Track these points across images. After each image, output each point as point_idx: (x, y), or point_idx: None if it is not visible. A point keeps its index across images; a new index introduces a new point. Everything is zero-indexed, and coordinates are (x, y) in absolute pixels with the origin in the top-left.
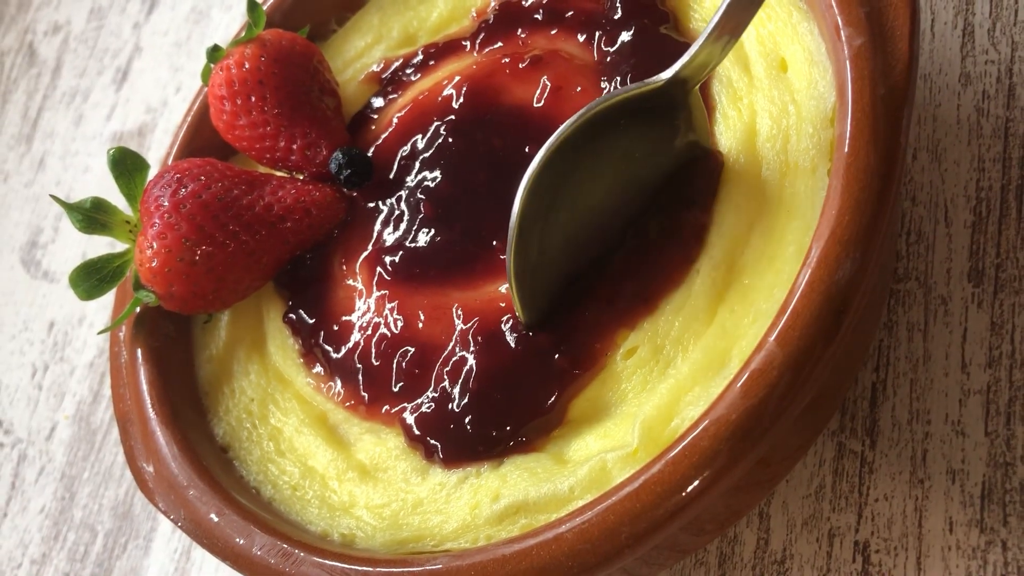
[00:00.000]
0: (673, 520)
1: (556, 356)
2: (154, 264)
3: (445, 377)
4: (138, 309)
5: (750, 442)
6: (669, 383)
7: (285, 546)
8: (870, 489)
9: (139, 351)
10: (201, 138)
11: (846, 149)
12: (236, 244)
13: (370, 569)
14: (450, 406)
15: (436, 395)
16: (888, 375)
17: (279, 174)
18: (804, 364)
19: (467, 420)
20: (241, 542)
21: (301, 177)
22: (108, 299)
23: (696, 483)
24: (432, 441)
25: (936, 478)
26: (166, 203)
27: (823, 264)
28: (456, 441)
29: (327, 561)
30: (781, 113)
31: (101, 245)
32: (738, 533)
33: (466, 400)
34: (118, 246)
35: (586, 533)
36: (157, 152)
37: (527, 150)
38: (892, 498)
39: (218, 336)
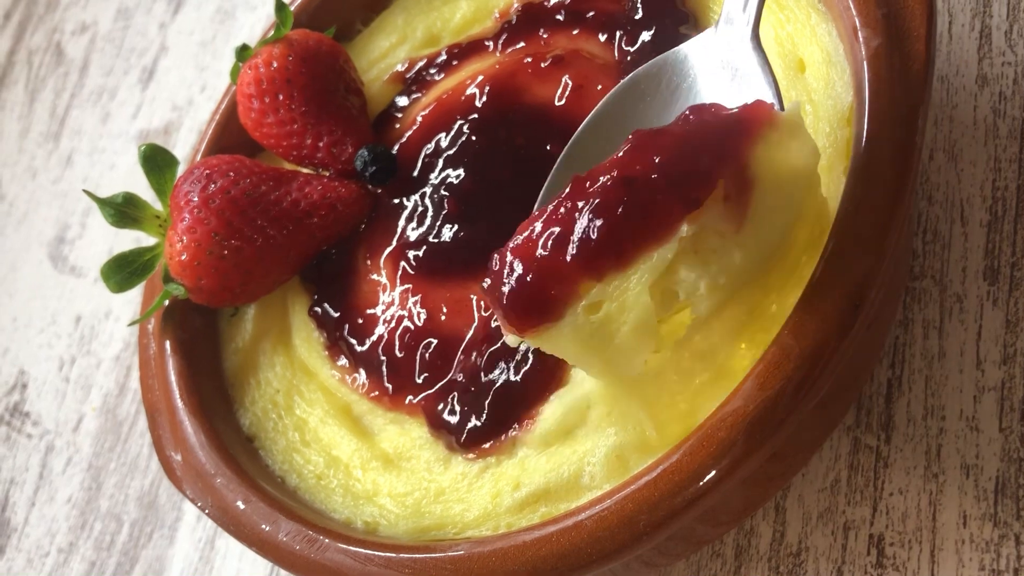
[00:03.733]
0: (690, 509)
1: None
2: (183, 258)
3: (467, 367)
4: (167, 302)
5: (766, 433)
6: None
7: (310, 532)
8: (885, 483)
9: (168, 343)
10: (229, 135)
11: (862, 149)
12: (264, 239)
13: (393, 555)
14: (471, 395)
15: (458, 385)
16: (904, 371)
17: (305, 171)
18: (819, 357)
19: (487, 409)
20: (267, 528)
21: (327, 174)
22: (133, 295)
23: (713, 473)
24: (454, 430)
25: (950, 472)
26: (196, 198)
27: (840, 259)
28: (478, 430)
29: (351, 547)
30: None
31: (127, 241)
32: (754, 525)
33: (486, 388)
34: (144, 242)
35: (605, 521)
36: (182, 150)
37: (548, 148)
38: (907, 492)
39: (244, 329)
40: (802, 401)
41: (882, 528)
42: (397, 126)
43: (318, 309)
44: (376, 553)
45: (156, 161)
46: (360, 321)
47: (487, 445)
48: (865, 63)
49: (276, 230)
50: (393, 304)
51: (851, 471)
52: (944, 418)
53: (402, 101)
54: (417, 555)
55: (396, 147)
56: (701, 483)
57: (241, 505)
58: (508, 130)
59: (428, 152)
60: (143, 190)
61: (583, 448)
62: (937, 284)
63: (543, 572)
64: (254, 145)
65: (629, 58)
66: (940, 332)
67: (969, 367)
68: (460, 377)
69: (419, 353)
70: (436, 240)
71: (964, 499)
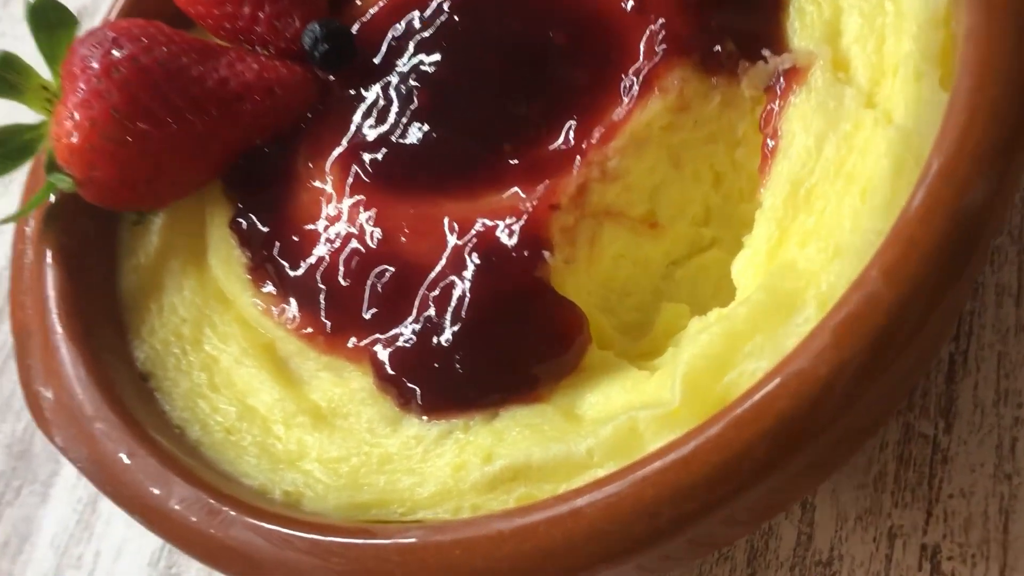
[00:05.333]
0: (733, 500)
1: None
2: (73, 139)
3: (431, 304)
4: (52, 198)
5: (842, 406)
6: (721, 328)
7: (211, 501)
8: (943, 482)
9: (48, 251)
10: (149, 3)
11: (978, 45)
12: (180, 124)
13: (319, 537)
14: (436, 340)
15: (418, 326)
16: (970, 346)
17: None
18: (920, 308)
19: (457, 358)
20: (156, 492)
21: (267, 53)
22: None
23: (769, 453)
24: (410, 383)
25: None
26: (95, 65)
27: (950, 181)
28: (441, 384)
29: (264, 524)
30: (875, 9)
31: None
32: (773, 525)
33: (456, 333)
34: (27, 120)
35: (614, 510)
36: None
37: (551, 35)
38: (971, 495)
39: (149, 241)
40: (891, 367)
41: (938, 538)
42: (359, 1)
43: (242, 221)
44: (296, 534)
45: (47, 18)
46: (295, 239)
47: (453, 409)
48: None
49: (196, 114)
50: (339, 219)
51: (900, 465)
52: (1021, 406)
53: None
54: (351, 539)
55: (356, 25)
56: (752, 466)
57: (125, 459)
58: (500, 10)
59: (397, 33)
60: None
61: (577, 413)
62: (1015, 242)
63: (523, 574)
64: (181, 18)
65: None
66: (1018, 301)
67: None
68: (423, 317)
69: (370, 283)
70: (400, 141)
71: None
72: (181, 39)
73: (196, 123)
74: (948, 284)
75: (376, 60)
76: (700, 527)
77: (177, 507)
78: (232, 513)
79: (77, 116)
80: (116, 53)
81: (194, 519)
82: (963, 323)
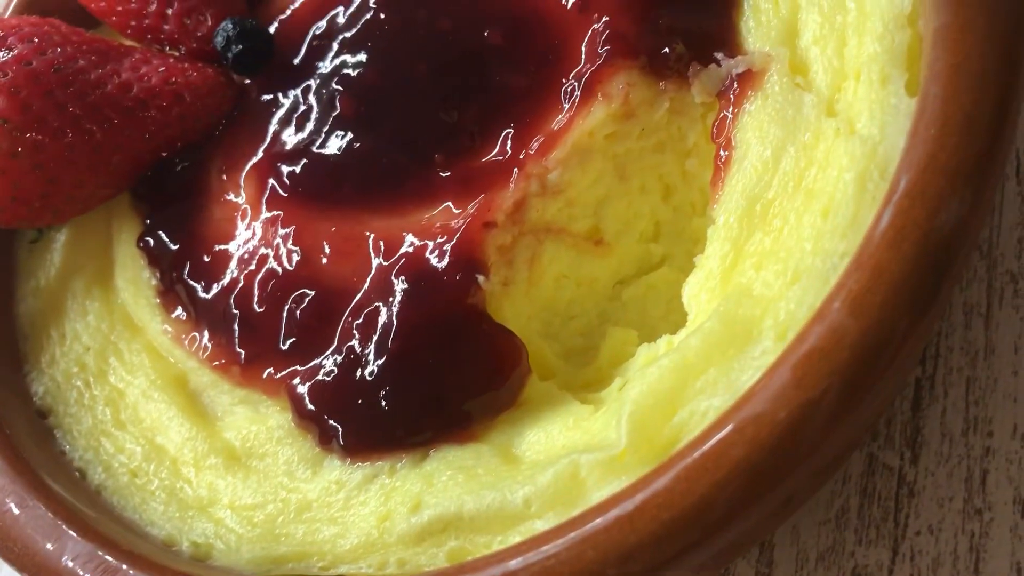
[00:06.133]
0: (682, 560)
1: None
2: None
3: (355, 333)
4: None
5: (804, 452)
6: (671, 360)
7: (109, 559)
8: (910, 518)
9: None
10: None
11: (949, 49)
12: (77, 133)
13: None
14: (359, 373)
15: (340, 357)
16: (937, 370)
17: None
18: (888, 343)
19: (382, 393)
20: (49, 548)
21: (176, 54)
22: None
23: (723, 509)
24: (331, 421)
25: (999, 508)
26: None
27: (920, 200)
28: (365, 421)
29: None
30: (836, 6)
31: None
32: (729, 567)
33: (382, 365)
34: None
35: (551, 574)
36: None
37: (486, 35)
38: (939, 531)
39: (49, 261)
40: (854, 410)
41: None
42: None
43: (151, 239)
44: None
45: None
46: (207, 259)
47: (378, 449)
48: None
49: (95, 123)
50: (254, 237)
51: (864, 499)
52: (991, 434)
53: None
54: None
55: (275, 23)
56: (704, 524)
57: (14, 510)
58: (430, 8)
59: (318, 32)
60: None
61: (514, 454)
62: (984, 257)
63: None
64: (83, 16)
65: None
66: (987, 321)
67: None
68: (346, 348)
69: (288, 309)
70: (321, 151)
71: (1019, 545)
72: (79, 39)
73: (96, 132)
74: (920, 313)
75: (295, 61)
76: None
77: (71, 564)
78: (131, 572)
79: None
80: (2, 54)
81: None
82: (929, 345)
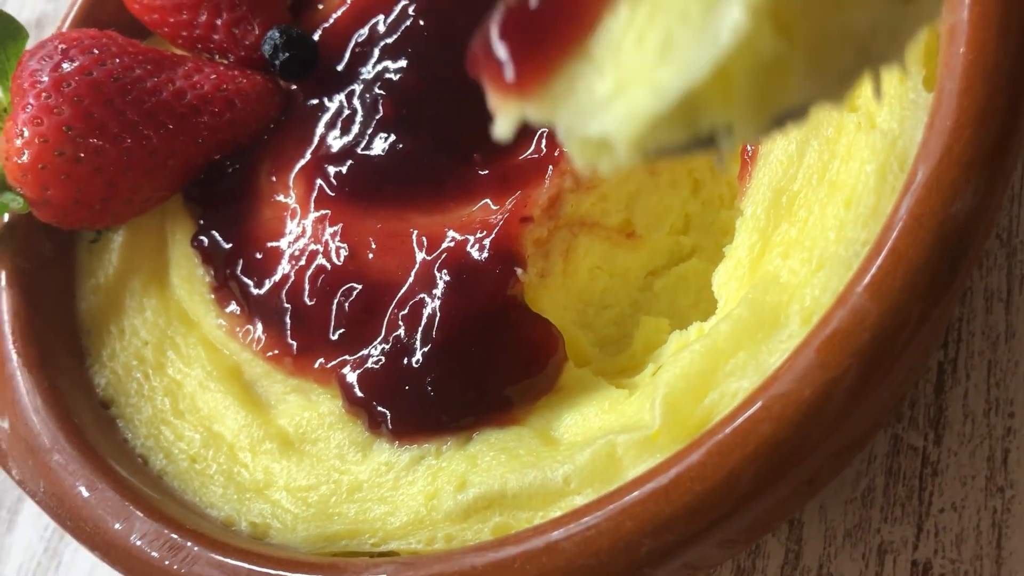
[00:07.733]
0: (715, 531)
1: None
2: (24, 158)
3: (400, 323)
4: (5, 218)
5: (829, 428)
6: (702, 346)
7: (174, 536)
8: (934, 496)
9: (3, 273)
10: (104, 11)
11: (963, 45)
12: (135, 139)
13: (286, 574)
14: (406, 361)
15: (387, 347)
16: (959, 354)
17: None
18: (906, 325)
19: (428, 380)
20: (117, 528)
21: (225, 62)
22: None
23: (752, 481)
24: (380, 407)
25: (1020, 486)
26: (44, 79)
27: (937, 190)
28: (412, 407)
29: (229, 560)
30: None
31: None
32: (760, 543)
33: (427, 354)
34: None
35: (592, 544)
36: None
37: None
38: (963, 509)
39: (108, 260)
40: (879, 386)
41: (929, 554)
42: (321, 5)
43: (204, 238)
44: (262, 570)
45: None
46: (259, 256)
47: (424, 433)
48: None
49: (152, 128)
50: (304, 235)
51: (889, 478)
52: (1013, 415)
53: None
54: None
55: (319, 31)
56: (734, 495)
57: (84, 492)
58: (468, 14)
59: (360, 39)
60: None
61: (553, 436)
62: (1004, 245)
63: None
64: (136, 27)
65: None
66: (1008, 305)
67: None
68: (393, 338)
69: (336, 302)
70: (365, 153)
71: None
72: (135, 49)
73: (152, 137)
74: (937, 297)
75: (339, 67)
76: (681, 558)
77: (139, 543)
78: (196, 549)
79: (27, 133)
80: (67, 66)
81: (156, 555)
82: (951, 330)
